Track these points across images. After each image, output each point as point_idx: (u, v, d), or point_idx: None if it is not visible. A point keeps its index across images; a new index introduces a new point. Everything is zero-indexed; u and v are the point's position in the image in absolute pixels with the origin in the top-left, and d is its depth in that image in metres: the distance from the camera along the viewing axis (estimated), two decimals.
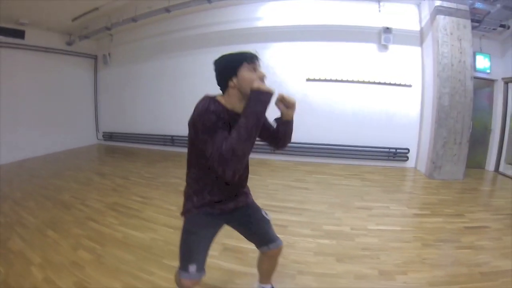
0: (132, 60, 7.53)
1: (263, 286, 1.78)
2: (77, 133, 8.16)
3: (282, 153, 6.00)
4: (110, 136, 8.29)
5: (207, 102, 1.18)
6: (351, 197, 3.85)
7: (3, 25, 6.08)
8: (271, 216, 1.61)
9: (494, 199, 4.07)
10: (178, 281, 1.49)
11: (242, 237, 1.61)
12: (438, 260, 2.30)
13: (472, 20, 4.53)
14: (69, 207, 3.63)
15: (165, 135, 7.17)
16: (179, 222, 2.97)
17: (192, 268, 1.34)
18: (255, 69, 1.24)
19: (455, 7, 4.39)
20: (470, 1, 4.29)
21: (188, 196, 1.44)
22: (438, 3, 4.44)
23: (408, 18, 5.14)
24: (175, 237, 2.57)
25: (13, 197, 4.06)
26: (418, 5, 5.08)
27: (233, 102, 1.26)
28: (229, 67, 1.23)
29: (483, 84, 5.23)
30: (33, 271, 2.24)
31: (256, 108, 1.14)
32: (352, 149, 5.58)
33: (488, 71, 5.11)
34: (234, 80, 1.22)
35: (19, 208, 3.65)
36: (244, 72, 1.21)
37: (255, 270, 2.03)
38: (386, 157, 5.44)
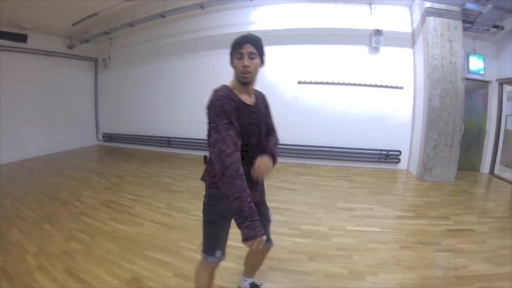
0: (131, 63, 7.70)
1: (245, 279, 1.91)
2: (77, 134, 8.35)
3: None
4: (109, 137, 8.48)
5: (224, 92, 1.33)
6: (335, 198, 3.89)
7: (6, 29, 6.30)
8: (273, 218, 1.74)
9: (484, 201, 4.04)
10: (202, 266, 1.60)
11: None
12: (413, 262, 2.30)
13: (464, 21, 4.49)
14: (65, 203, 3.83)
15: (161, 137, 7.30)
16: (165, 218, 3.21)
17: (219, 253, 1.51)
18: (241, 55, 1.31)
19: (446, 8, 4.37)
20: (461, 2, 4.21)
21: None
22: (428, 4, 4.42)
23: (399, 20, 5.13)
24: (159, 232, 2.85)
25: (13, 193, 4.27)
26: (410, 7, 5.07)
27: (236, 85, 1.39)
28: (230, 53, 1.37)
29: (477, 85, 5.18)
30: (28, 259, 2.45)
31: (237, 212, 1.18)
32: (343, 151, 5.60)
33: (482, 72, 5.05)
34: (232, 65, 1.38)
35: (19, 203, 3.84)
36: (234, 60, 1.34)
37: (230, 264, 2.22)
38: (378, 159, 5.45)
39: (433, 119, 4.48)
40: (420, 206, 3.60)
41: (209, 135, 1.26)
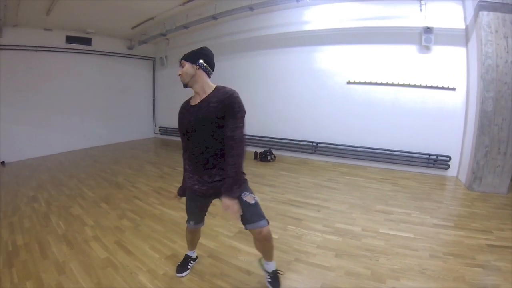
0: None
1: (267, 262, 2.02)
2: (136, 127, 9.25)
3: (323, 154, 6.15)
4: (165, 131, 9.23)
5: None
6: (375, 200, 3.85)
7: (74, 34, 7.25)
8: (258, 199, 1.79)
9: None
10: (187, 228, 2.17)
11: None
12: (439, 273, 2.21)
13: None
14: (121, 187, 4.42)
15: None
16: (209, 208, 3.49)
17: (191, 222, 2.06)
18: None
19: (501, 1, 3.93)
20: None
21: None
22: None
23: (451, 17, 4.77)
24: None
25: (78, 176, 5.01)
26: (463, 1, 4.67)
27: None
28: None
29: None
30: (86, 230, 2.98)
31: None
32: (391, 154, 5.43)
33: None
34: None
35: (82, 185, 4.53)
36: None
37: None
38: (426, 164, 5.16)
39: (486, 123, 4.12)
40: (462, 216, 3.38)
41: None
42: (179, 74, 1.72)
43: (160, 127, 9.55)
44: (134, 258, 2.44)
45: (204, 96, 1.72)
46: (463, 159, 4.80)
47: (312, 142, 6.25)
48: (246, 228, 1.78)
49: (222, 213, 3.29)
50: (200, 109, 1.68)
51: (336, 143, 5.95)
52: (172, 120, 8.92)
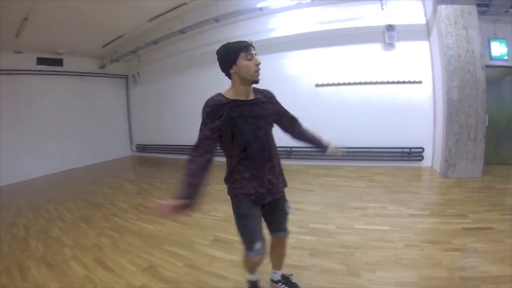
0: (158, 77, 8.26)
1: (275, 272, 2.02)
2: (113, 146, 9.13)
3: (297, 158, 6.18)
4: (143, 148, 9.13)
5: (211, 97, 1.49)
6: (350, 198, 3.88)
7: (45, 55, 7.15)
8: (290, 211, 1.81)
9: (510, 198, 3.68)
10: (246, 261, 1.74)
11: (233, 231, 1.86)
12: (416, 261, 2.24)
13: (480, 5, 4.21)
14: (100, 206, 4.36)
15: (189, 145, 7.75)
16: (185, 218, 3.45)
17: (258, 244, 1.56)
18: (251, 57, 1.46)
19: None
20: None
21: (225, 180, 1.69)
22: None
23: (412, 13, 4.98)
24: (178, 230, 3.25)
25: (56, 199, 4.92)
26: None
27: (236, 88, 1.50)
28: (229, 57, 1.45)
29: (503, 72, 4.76)
30: (65, 251, 2.97)
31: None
32: (365, 151, 5.52)
33: (506, 57, 4.64)
34: (234, 68, 1.46)
35: (60, 207, 4.46)
36: (242, 61, 1.44)
37: (235, 258, 2.43)
38: (400, 157, 5.29)
39: (453, 112, 4.26)
40: (437, 204, 3.47)
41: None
42: (259, 63, 1.49)
43: (137, 144, 9.46)
44: (113, 273, 2.44)
45: (253, 94, 1.59)
46: (436, 149, 4.94)
47: (286, 147, 6.20)
48: (276, 236, 1.79)
49: (198, 223, 3.37)
50: (258, 105, 1.56)
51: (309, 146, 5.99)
52: (149, 137, 8.90)
